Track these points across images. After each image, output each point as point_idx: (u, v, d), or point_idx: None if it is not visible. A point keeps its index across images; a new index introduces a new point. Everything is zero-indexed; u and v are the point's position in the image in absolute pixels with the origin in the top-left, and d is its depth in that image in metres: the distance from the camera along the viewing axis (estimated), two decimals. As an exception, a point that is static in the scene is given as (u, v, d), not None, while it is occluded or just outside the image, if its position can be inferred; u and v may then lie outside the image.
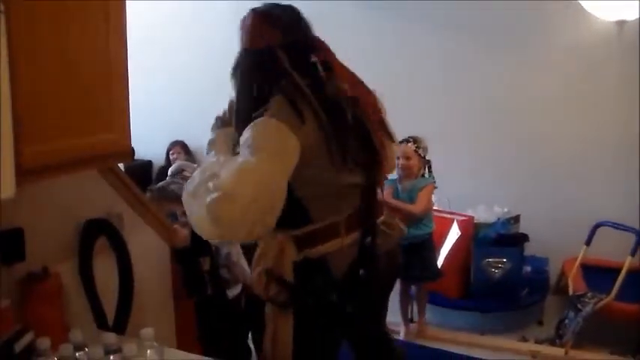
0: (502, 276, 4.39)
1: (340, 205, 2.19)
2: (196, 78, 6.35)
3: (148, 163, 6.39)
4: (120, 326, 2.14)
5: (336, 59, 2.26)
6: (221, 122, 2.45)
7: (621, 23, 3.70)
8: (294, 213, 2.08)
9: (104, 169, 2.20)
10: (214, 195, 1.92)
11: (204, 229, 2.04)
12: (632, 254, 3.98)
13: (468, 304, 4.44)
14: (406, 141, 4.12)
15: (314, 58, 2.18)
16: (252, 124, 2.05)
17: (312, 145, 2.05)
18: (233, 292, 3.35)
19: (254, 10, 2.24)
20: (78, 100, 1.66)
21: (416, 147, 4.13)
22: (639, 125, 4.51)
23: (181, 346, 2.47)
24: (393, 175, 4.14)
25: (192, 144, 6.16)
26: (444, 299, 4.49)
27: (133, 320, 2.17)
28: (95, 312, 2.12)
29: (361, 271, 2.21)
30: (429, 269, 4.23)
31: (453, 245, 4.45)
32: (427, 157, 4.19)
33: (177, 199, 2.87)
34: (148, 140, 5.96)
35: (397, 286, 4.55)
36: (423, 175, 4.20)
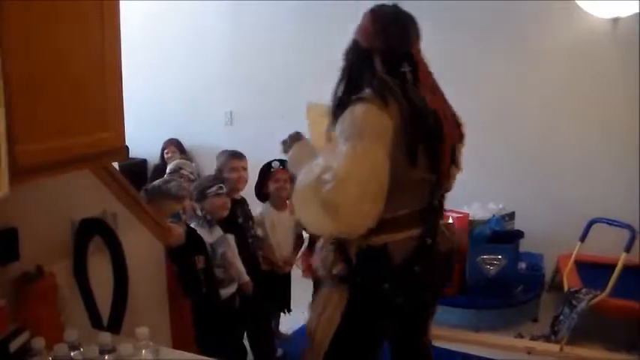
0: (497, 273, 4.40)
1: (408, 200, 2.32)
2: (191, 77, 6.36)
3: (143, 162, 6.39)
4: (115, 326, 2.13)
5: (427, 73, 2.39)
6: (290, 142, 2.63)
7: (616, 20, 3.71)
8: None
9: (98, 168, 2.19)
10: (331, 184, 2.09)
11: (321, 226, 2.24)
12: (627, 250, 3.99)
13: (463, 301, 4.44)
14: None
15: (405, 68, 2.30)
16: (350, 108, 2.21)
17: (396, 129, 2.18)
18: (228, 291, 3.36)
19: (372, 9, 2.39)
20: (72, 99, 1.65)
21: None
22: (638, 122, 4.52)
23: (177, 345, 2.48)
24: None
25: (186, 142, 6.16)
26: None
27: (128, 320, 2.17)
28: (90, 311, 2.12)
29: (416, 267, 2.32)
30: None
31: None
32: None
33: (178, 197, 2.88)
34: (142, 139, 5.97)
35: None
36: None
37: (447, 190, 2.53)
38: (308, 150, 2.49)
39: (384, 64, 2.29)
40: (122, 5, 1.84)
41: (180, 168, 3.75)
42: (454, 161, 2.48)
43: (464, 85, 5.09)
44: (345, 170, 2.10)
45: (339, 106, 2.30)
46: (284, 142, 2.64)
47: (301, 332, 4.33)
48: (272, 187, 3.95)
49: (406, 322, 2.60)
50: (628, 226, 4.03)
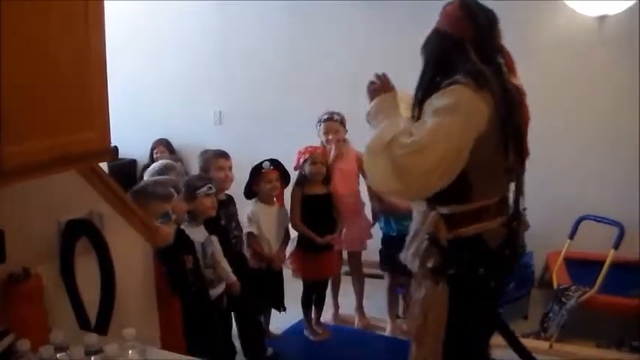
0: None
1: (499, 187, 2.46)
2: (180, 77, 6.34)
3: (132, 162, 6.37)
4: (102, 327, 2.12)
5: (513, 62, 2.48)
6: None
7: (602, 18, 3.73)
8: (457, 188, 2.30)
9: (85, 169, 2.18)
10: (408, 149, 2.22)
11: (386, 183, 2.39)
12: (616, 247, 4.01)
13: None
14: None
15: (500, 59, 2.42)
16: (443, 90, 2.29)
17: (490, 116, 2.27)
18: (216, 291, 3.35)
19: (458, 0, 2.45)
20: (57, 99, 1.64)
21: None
22: (626, 120, 4.54)
23: (167, 345, 2.47)
24: None
25: (176, 142, 6.14)
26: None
27: (115, 320, 2.16)
28: (77, 313, 2.11)
29: (507, 251, 2.46)
30: None
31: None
32: None
33: (164, 197, 2.87)
34: (132, 139, 5.96)
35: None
36: None
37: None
38: (391, 106, 2.53)
39: (478, 54, 2.34)
40: (109, 5, 1.83)
41: (169, 169, 3.74)
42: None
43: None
44: (425, 141, 2.22)
45: (428, 90, 2.38)
46: (371, 83, 2.64)
47: (292, 331, 4.35)
48: (263, 186, 3.96)
49: (491, 307, 2.70)
50: (616, 223, 4.04)
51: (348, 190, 4.37)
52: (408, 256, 2.57)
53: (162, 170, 3.58)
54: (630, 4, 3.64)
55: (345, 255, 4.63)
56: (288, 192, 4.20)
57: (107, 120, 1.83)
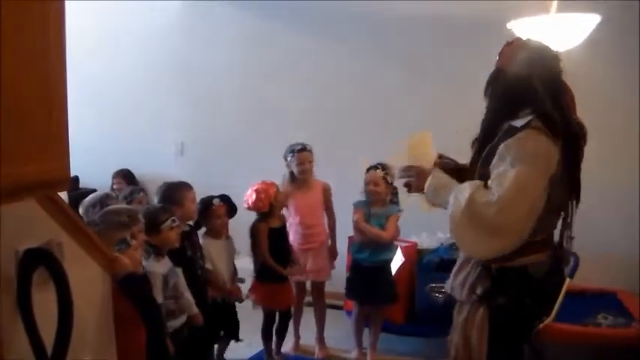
0: (446, 301, 4.44)
1: (549, 224, 2.51)
2: (142, 108, 6.36)
3: (93, 192, 6.30)
4: (59, 357, 2.10)
5: (575, 104, 2.52)
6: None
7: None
8: None
9: (44, 198, 2.18)
10: (497, 205, 2.24)
11: (486, 248, 2.37)
12: (571, 276, 4.08)
13: (412, 330, 4.49)
14: (375, 167, 4.24)
15: (564, 96, 2.44)
16: (519, 135, 2.33)
17: (559, 162, 2.33)
18: (178, 322, 3.34)
19: (519, 38, 2.58)
20: (14, 127, 1.61)
21: (384, 174, 4.22)
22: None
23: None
24: (363, 198, 4.26)
25: (138, 172, 6.12)
26: (389, 325, 4.53)
27: (72, 350, 2.14)
28: (33, 343, 2.08)
29: (552, 280, 2.58)
30: (390, 292, 4.30)
31: (397, 271, 4.50)
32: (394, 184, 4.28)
33: (121, 225, 2.86)
34: (93, 169, 5.93)
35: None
36: (391, 201, 4.29)
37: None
38: (445, 177, 2.59)
39: (545, 92, 2.38)
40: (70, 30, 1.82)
41: (109, 199, 3.72)
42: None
43: (410, 113, 5.22)
44: (512, 194, 2.24)
45: (495, 130, 2.45)
46: (406, 174, 2.75)
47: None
48: (212, 222, 3.99)
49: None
50: (571, 253, 4.11)
51: (313, 221, 4.44)
52: (455, 285, 2.64)
53: (102, 201, 3.54)
54: (582, 39, 3.76)
55: (307, 285, 4.66)
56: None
57: (67, 149, 1.82)
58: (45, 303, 2.13)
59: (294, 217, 4.46)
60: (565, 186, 2.44)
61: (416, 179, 2.70)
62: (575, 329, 4.06)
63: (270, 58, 5.85)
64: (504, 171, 2.31)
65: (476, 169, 2.53)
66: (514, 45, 2.52)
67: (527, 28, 3.66)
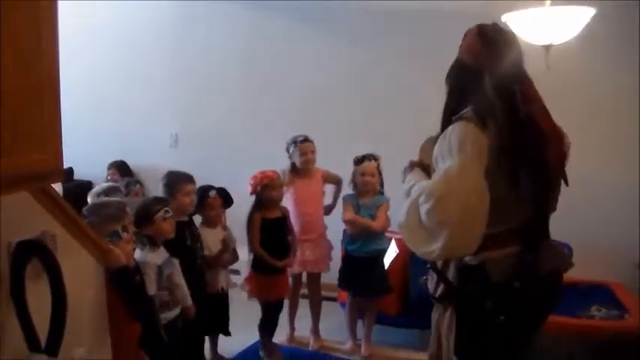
0: (439, 292, 4.46)
1: (506, 217, 2.30)
2: (137, 99, 6.35)
3: (88, 184, 6.30)
4: (52, 348, 2.11)
5: (535, 90, 2.39)
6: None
7: (548, 47, 3.83)
8: None
9: (37, 190, 2.18)
10: (428, 205, 2.14)
11: (429, 249, 2.21)
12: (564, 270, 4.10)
13: (406, 321, 4.50)
14: (368, 159, 4.24)
15: (515, 87, 2.30)
16: (450, 127, 2.26)
17: (493, 149, 2.20)
18: (172, 313, 3.34)
19: (478, 26, 2.41)
20: (6, 119, 1.61)
21: (377, 164, 4.24)
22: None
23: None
24: (350, 191, 4.27)
25: (133, 164, 6.11)
26: (383, 316, 4.54)
27: (66, 342, 2.14)
28: (27, 334, 2.09)
29: (516, 283, 2.28)
30: (382, 283, 4.31)
31: (391, 263, 4.51)
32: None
33: (112, 218, 2.86)
34: (88, 160, 5.94)
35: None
36: (380, 192, 4.30)
37: (552, 209, 2.52)
38: (417, 175, 2.50)
39: (494, 83, 2.28)
40: (63, 21, 1.81)
41: (112, 191, 3.73)
42: (565, 179, 2.48)
43: (403, 107, 5.23)
44: (443, 187, 2.14)
45: (448, 124, 2.32)
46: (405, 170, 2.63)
47: (243, 356, 4.34)
48: (207, 213, 4.01)
49: (511, 344, 2.44)
50: (565, 245, 4.13)
51: (313, 210, 4.45)
52: (429, 282, 2.56)
53: (107, 192, 3.56)
54: (576, 33, 3.75)
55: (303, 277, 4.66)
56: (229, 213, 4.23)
57: (59, 141, 1.82)
58: (39, 294, 2.13)
59: (294, 207, 4.46)
60: (513, 180, 2.26)
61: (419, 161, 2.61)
62: (569, 321, 4.08)
63: (267, 49, 5.84)
64: (439, 169, 2.24)
65: None
66: (471, 33, 2.42)
67: (521, 20, 3.65)
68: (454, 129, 2.24)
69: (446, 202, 2.13)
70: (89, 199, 3.52)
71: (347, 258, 4.39)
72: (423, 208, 2.17)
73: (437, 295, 2.47)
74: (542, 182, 2.35)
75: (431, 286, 2.53)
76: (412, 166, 2.58)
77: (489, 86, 2.27)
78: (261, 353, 4.32)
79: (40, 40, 1.73)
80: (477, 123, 2.21)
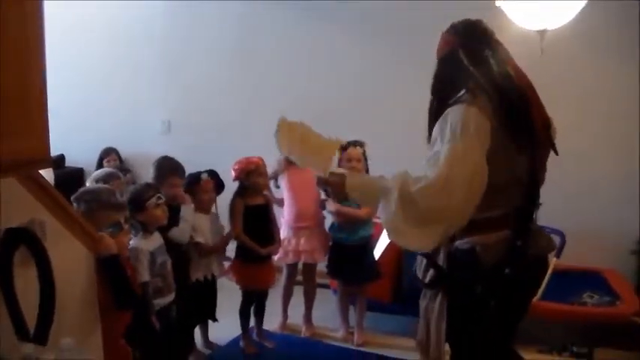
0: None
1: (499, 201, 2.30)
2: (128, 86, 6.31)
3: (79, 171, 6.28)
4: (41, 337, 2.09)
5: (509, 56, 2.42)
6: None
7: (542, 32, 3.81)
8: None
9: (25, 177, 2.15)
10: (430, 189, 2.13)
11: (427, 239, 2.21)
12: (557, 256, 4.11)
13: (399, 309, 4.49)
14: (353, 145, 4.21)
15: (487, 52, 2.35)
16: (443, 116, 2.27)
17: (493, 127, 2.22)
18: (166, 300, 3.32)
19: (450, 26, 2.49)
20: None
21: (363, 150, 4.22)
22: (566, 132, 4.64)
23: (109, 356, 2.45)
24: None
25: (123, 151, 6.08)
26: (376, 304, 4.53)
27: (55, 330, 2.12)
28: (15, 323, 2.07)
29: (507, 270, 2.29)
30: (371, 270, 4.30)
31: (384, 250, 4.49)
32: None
33: (120, 207, 2.84)
34: (79, 148, 5.91)
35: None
36: None
37: (542, 181, 2.53)
38: (359, 177, 2.57)
39: (470, 57, 2.35)
40: (52, 10, 1.80)
41: (112, 178, 3.70)
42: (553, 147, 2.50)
43: (394, 95, 5.20)
44: (447, 173, 2.13)
45: (438, 114, 2.33)
46: (327, 194, 2.62)
47: (234, 344, 4.32)
48: (200, 196, 3.97)
49: (500, 328, 2.46)
50: (558, 232, 4.13)
51: (308, 198, 4.40)
52: (418, 269, 2.56)
53: (107, 178, 3.54)
54: (570, 18, 3.74)
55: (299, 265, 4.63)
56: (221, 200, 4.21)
57: (46, 128, 1.80)
58: (27, 283, 2.11)
59: (289, 194, 4.43)
60: (512, 157, 2.29)
61: (334, 188, 2.57)
62: (561, 308, 4.09)
63: (260, 37, 5.80)
64: (436, 152, 2.22)
65: None
66: (444, 34, 2.49)
67: (515, 4, 3.64)
68: (453, 111, 2.25)
69: (454, 184, 2.12)
70: (88, 185, 3.48)
71: (335, 246, 4.38)
72: (425, 196, 2.14)
73: (426, 281, 2.47)
74: (531, 154, 2.35)
75: (420, 271, 2.53)
76: (338, 185, 2.48)
77: (467, 60, 2.34)
78: (241, 344, 4.30)
79: (26, 29, 1.71)
80: (476, 105, 2.23)
